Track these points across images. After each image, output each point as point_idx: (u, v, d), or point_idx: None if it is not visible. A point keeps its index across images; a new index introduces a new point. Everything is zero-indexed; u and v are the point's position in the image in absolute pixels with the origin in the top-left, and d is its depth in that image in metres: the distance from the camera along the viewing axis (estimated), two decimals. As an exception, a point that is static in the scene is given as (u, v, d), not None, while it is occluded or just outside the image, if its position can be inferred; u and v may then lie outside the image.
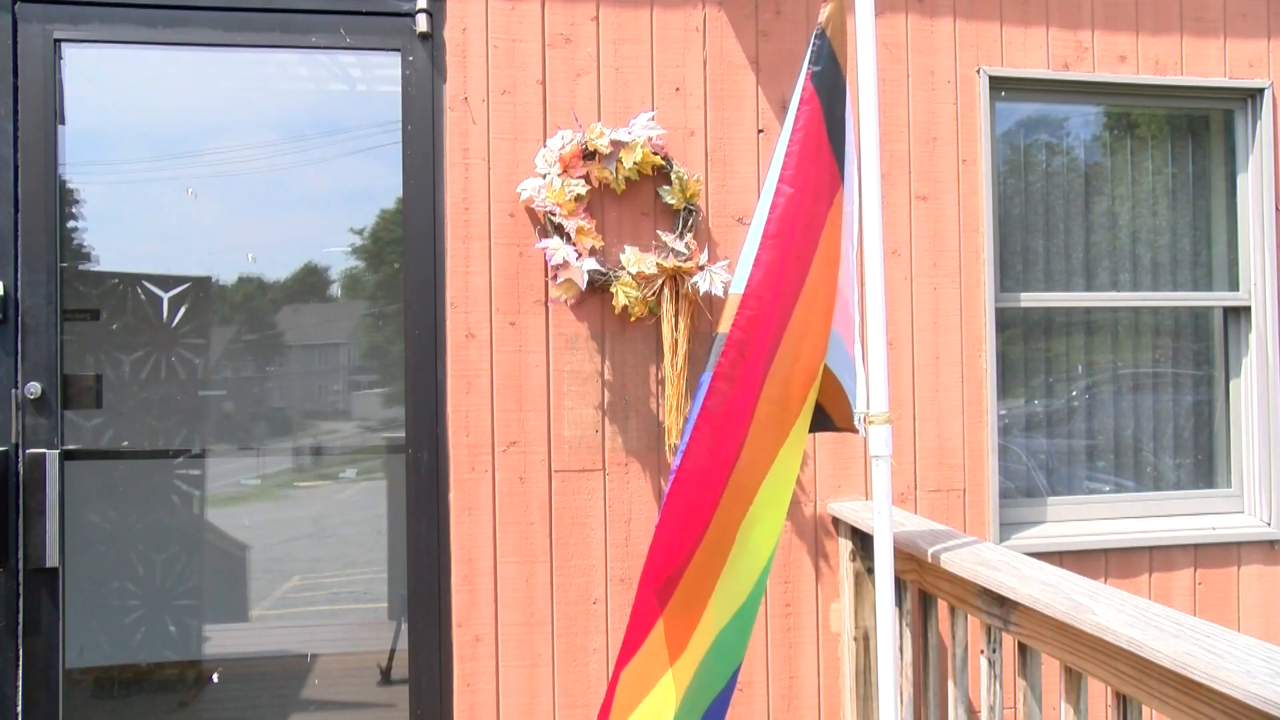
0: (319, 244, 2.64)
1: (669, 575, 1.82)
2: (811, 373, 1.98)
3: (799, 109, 1.86)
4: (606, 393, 2.59)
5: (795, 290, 1.88)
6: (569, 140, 2.49)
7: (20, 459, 2.37)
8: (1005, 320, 2.93)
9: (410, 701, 2.50)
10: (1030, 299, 2.90)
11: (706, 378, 1.97)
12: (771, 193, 1.88)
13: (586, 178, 2.52)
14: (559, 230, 2.48)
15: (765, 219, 1.84)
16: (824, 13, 1.89)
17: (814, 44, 1.88)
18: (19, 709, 2.36)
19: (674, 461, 1.87)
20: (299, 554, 2.69)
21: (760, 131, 2.68)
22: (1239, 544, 2.90)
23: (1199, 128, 3.09)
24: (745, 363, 1.84)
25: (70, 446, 2.45)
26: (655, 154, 2.54)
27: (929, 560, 2.05)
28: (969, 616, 2.05)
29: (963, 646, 2.09)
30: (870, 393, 1.91)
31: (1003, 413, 2.94)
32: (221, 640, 2.64)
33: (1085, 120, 3.04)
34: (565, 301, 2.56)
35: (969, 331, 2.76)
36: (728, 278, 2.50)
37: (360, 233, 2.66)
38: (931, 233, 2.76)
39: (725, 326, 1.91)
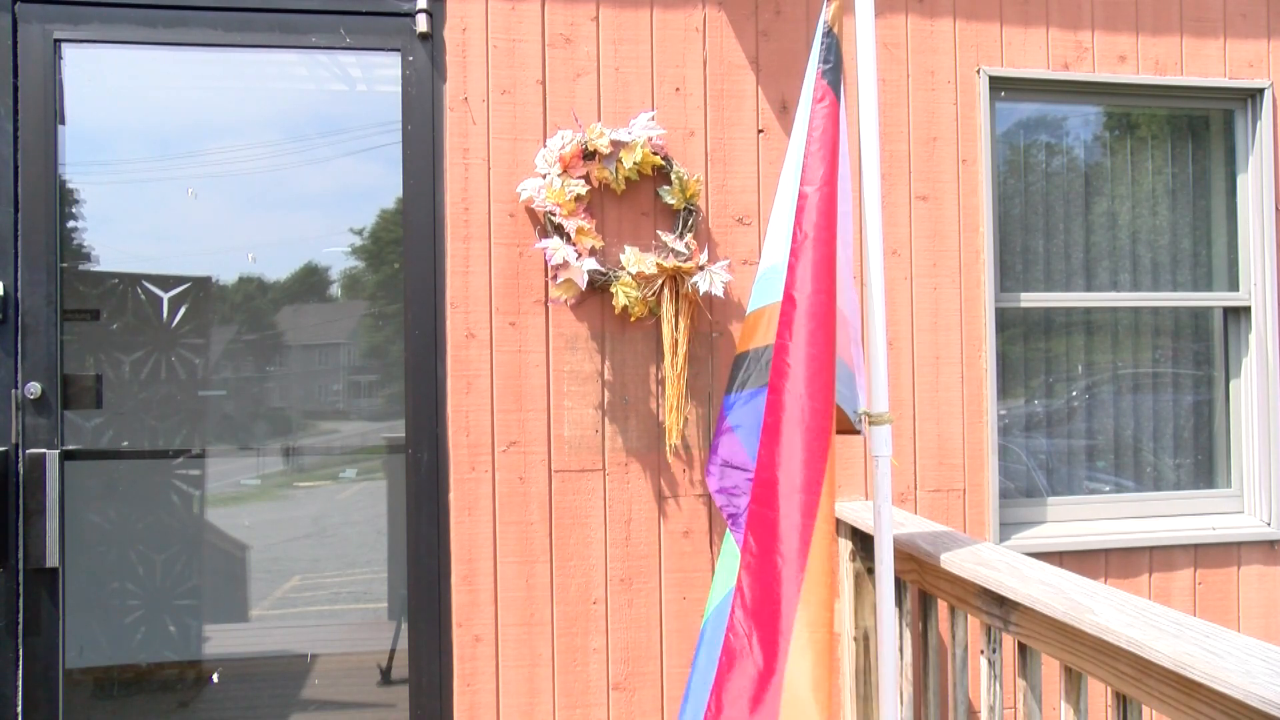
0: (319, 244, 2.64)
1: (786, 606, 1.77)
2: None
3: (815, 107, 1.84)
4: (606, 393, 2.59)
5: (834, 287, 1.83)
6: (569, 140, 2.49)
7: (20, 459, 2.37)
8: (1005, 320, 2.93)
9: (410, 701, 2.51)
10: (1030, 299, 2.90)
11: (743, 396, 1.95)
12: (794, 195, 1.86)
13: (586, 178, 2.52)
14: (559, 230, 2.48)
15: (793, 222, 1.81)
16: (829, 11, 1.88)
17: (823, 42, 1.87)
18: (19, 709, 2.36)
19: (729, 488, 1.87)
20: (299, 554, 2.69)
21: (760, 131, 2.68)
22: (1239, 544, 2.90)
23: (1199, 128, 3.09)
24: (794, 363, 1.79)
25: (70, 446, 2.45)
26: (655, 154, 2.54)
27: (929, 560, 2.05)
28: (969, 616, 2.05)
29: (963, 646, 2.09)
30: (870, 393, 1.91)
31: (1003, 413, 2.94)
32: (221, 640, 2.64)
33: (1085, 120, 3.04)
34: (565, 301, 2.56)
35: (969, 331, 2.76)
36: (728, 278, 2.50)
37: (360, 233, 2.66)
38: (931, 233, 2.76)
39: (768, 338, 1.87)
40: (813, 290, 1.78)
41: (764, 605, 1.79)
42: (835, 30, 1.87)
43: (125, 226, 2.54)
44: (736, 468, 2.01)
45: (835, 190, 1.81)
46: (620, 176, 2.54)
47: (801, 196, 1.81)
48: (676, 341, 2.49)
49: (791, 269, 1.81)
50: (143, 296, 2.57)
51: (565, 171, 2.48)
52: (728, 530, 2.05)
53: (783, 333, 1.81)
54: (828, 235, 1.80)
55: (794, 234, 1.82)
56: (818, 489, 1.77)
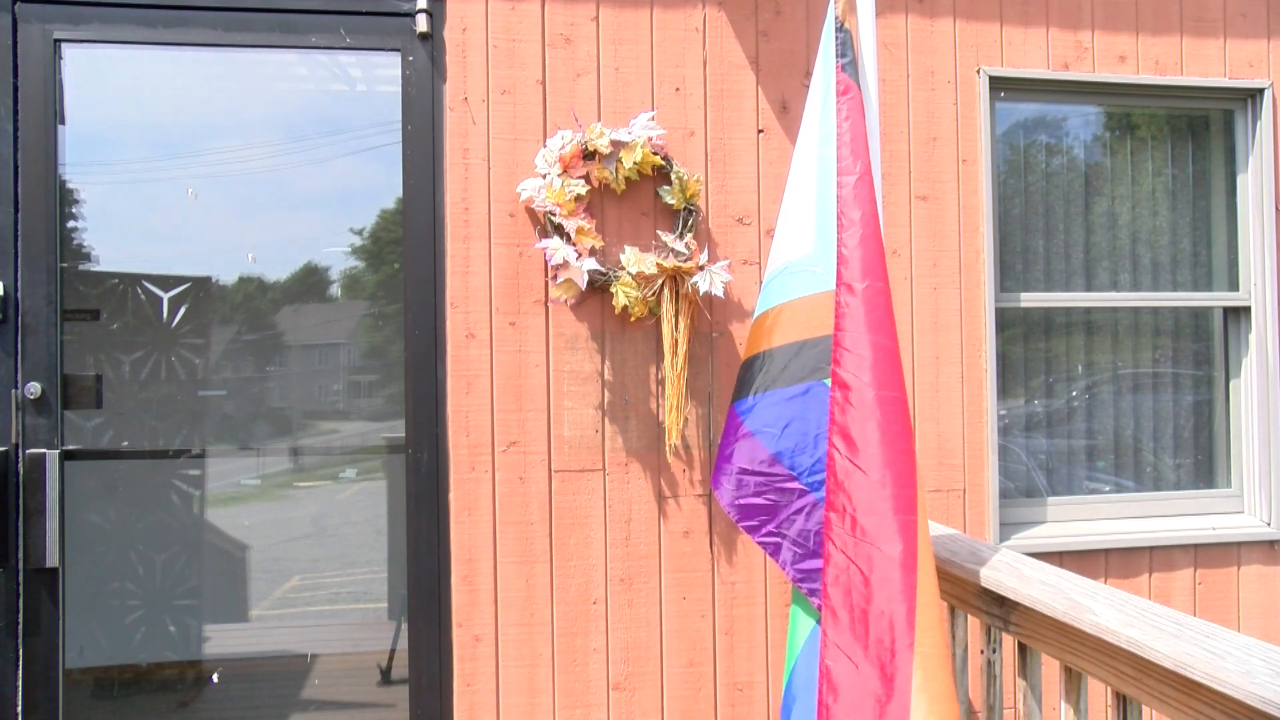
0: (319, 244, 2.64)
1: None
2: None
3: (840, 100, 1.84)
4: (606, 393, 2.59)
5: (886, 274, 1.80)
6: (569, 140, 2.49)
7: (20, 459, 2.37)
8: (1005, 320, 2.93)
9: (410, 701, 2.51)
10: (1030, 299, 2.90)
11: (774, 397, 1.92)
12: (815, 186, 1.86)
13: (586, 178, 2.52)
14: (559, 230, 2.48)
15: (836, 211, 1.80)
16: (839, 6, 1.89)
17: (838, 37, 1.88)
18: (19, 709, 2.36)
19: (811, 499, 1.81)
20: (299, 554, 2.69)
21: (760, 131, 2.68)
22: (1239, 544, 2.89)
23: (1199, 128, 3.09)
24: (862, 355, 1.73)
25: (70, 446, 2.45)
26: (655, 154, 2.54)
27: (929, 560, 2.04)
28: (969, 616, 2.05)
29: (963, 646, 2.09)
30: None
31: (1003, 413, 2.94)
32: (221, 640, 2.64)
33: (1085, 120, 3.04)
34: (565, 301, 2.55)
35: (969, 331, 2.76)
36: (728, 277, 2.50)
37: (360, 233, 2.66)
38: (931, 233, 2.76)
39: (815, 330, 1.84)
40: (873, 278, 1.76)
41: (873, 614, 1.67)
42: (847, 25, 1.87)
43: (125, 226, 2.54)
44: (761, 473, 1.96)
45: (872, 178, 1.81)
46: (620, 176, 2.54)
47: (840, 186, 1.80)
48: (676, 341, 2.49)
49: (843, 259, 1.78)
50: (143, 296, 2.57)
51: (565, 171, 2.48)
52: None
53: (842, 324, 1.76)
54: (875, 223, 1.79)
55: (839, 223, 1.79)
56: (913, 482, 1.71)
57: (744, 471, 1.99)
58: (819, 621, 1.96)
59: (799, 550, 1.93)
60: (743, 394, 2.03)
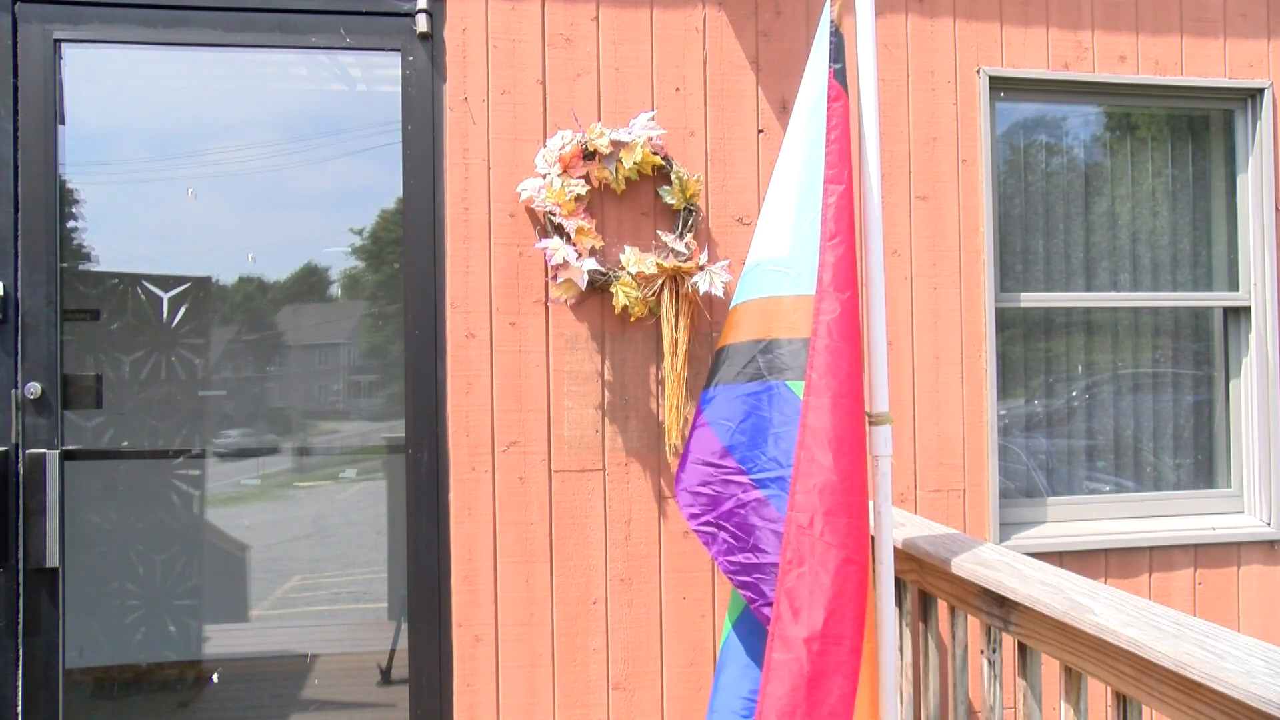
0: (319, 244, 2.64)
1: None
2: None
3: (831, 106, 1.85)
4: (606, 393, 2.59)
5: (857, 285, 1.85)
6: (569, 140, 2.49)
7: (20, 459, 2.37)
8: (1005, 320, 2.93)
9: (410, 701, 2.51)
10: (1030, 299, 2.90)
11: (740, 391, 1.94)
12: (797, 189, 1.88)
13: (586, 178, 2.52)
14: (559, 230, 2.48)
15: (820, 220, 1.83)
16: (834, 9, 1.89)
17: (831, 41, 1.88)
18: (19, 709, 2.36)
19: (774, 498, 1.84)
20: (299, 554, 2.69)
21: (760, 131, 2.68)
22: (1239, 544, 2.90)
23: (1199, 128, 3.09)
24: (839, 365, 1.79)
25: (70, 446, 2.45)
26: (655, 154, 2.54)
27: (929, 560, 2.05)
28: (969, 616, 2.05)
29: (963, 646, 2.09)
30: (870, 393, 1.90)
31: (1003, 413, 2.94)
32: (221, 640, 2.64)
33: (1085, 120, 3.04)
34: (565, 301, 2.55)
35: (969, 331, 2.76)
36: (728, 278, 2.50)
37: (360, 233, 2.66)
38: (931, 233, 2.76)
39: (790, 331, 1.87)
40: (851, 290, 1.80)
41: (830, 614, 1.74)
42: (841, 29, 1.88)
43: (125, 226, 2.54)
44: (712, 464, 1.97)
45: (853, 188, 1.84)
46: (620, 176, 2.54)
47: (827, 194, 1.83)
48: (676, 341, 2.49)
49: (826, 266, 1.81)
50: (143, 296, 2.57)
51: (565, 171, 2.48)
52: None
53: (819, 330, 1.80)
54: (853, 236, 1.83)
55: (824, 231, 1.82)
56: (865, 489, 1.80)
57: (696, 461, 2.01)
58: (745, 609, 2.05)
59: (734, 543, 1.95)
60: (706, 385, 2.06)
